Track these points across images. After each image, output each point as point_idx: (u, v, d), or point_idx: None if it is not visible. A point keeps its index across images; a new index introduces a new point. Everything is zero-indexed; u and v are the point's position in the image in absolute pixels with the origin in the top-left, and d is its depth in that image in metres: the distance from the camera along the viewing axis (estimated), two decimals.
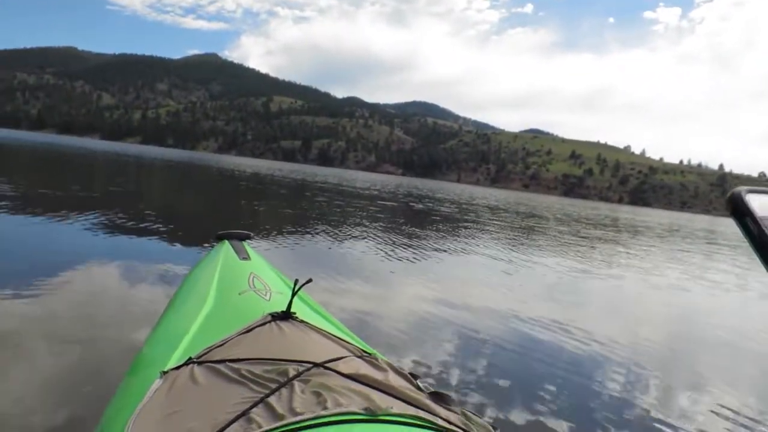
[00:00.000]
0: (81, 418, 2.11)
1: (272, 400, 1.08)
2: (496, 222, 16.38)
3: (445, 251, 8.23)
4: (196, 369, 1.26)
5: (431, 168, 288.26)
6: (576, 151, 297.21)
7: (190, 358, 1.33)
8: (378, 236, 8.92)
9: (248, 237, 2.87)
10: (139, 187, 16.23)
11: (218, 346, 1.39)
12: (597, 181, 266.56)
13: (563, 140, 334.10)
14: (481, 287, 6.07)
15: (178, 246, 6.22)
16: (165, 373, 1.28)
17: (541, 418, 2.67)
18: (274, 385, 1.13)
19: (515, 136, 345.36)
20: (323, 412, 1.01)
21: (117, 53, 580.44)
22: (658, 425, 2.80)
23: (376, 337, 3.59)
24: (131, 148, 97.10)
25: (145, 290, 4.08)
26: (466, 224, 14.09)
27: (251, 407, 1.05)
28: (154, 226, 7.16)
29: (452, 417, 1.12)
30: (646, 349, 4.26)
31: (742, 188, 0.54)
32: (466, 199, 33.37)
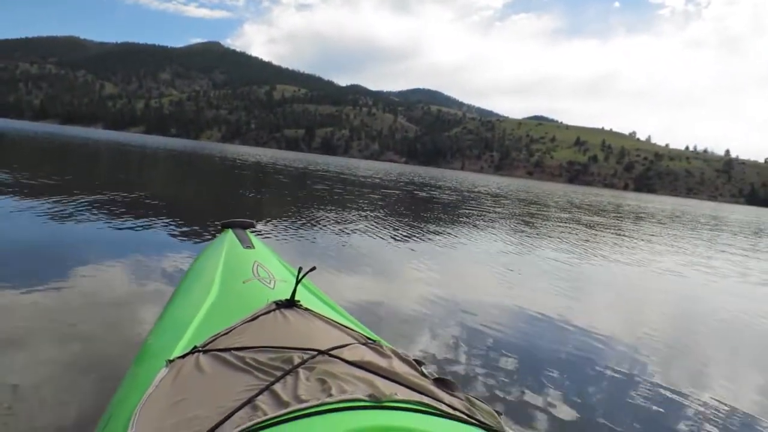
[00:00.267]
0: (88, 406, 2.12)
1: (277, 387, 1.09)
2: (497, 210, 16.36)
3: (445, 238, 8.23)
4: (202, 357, 1.27)
5: (435, 156, 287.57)
6: (580, 137, 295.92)
7: (195, 347, 1.34)
8: (379, 224, 8.92)
9: (251, 226, 2.87)
10: (143, 176, 16.26)
11: (223, 335, 1.40)
12: (602, 167, 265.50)
13: (567, 127, 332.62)
14: (483, 274, 6.06)
15: (182, 235, 6.21)
16: (171, 361, 1.29)
17: (547, 402, 2.67)
18: (279, 373, 1.14)
19: (519, 123, 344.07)
20: (328, 399, 1.02)
21: (119, 42, 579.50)
22: (662, 408, 2.80)
23: (380, 323, 3.60)
24: (134, 137, 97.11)
25: (150, 280, 4.08)
26: (466, 212, 14.08)
27: (257, 395, 1.06)
28: (158, 216, 7.16)
29: (456, 403, 1.13)
30: (645, 333, 4.24)
31: None
32: (467, 187, 33.32)
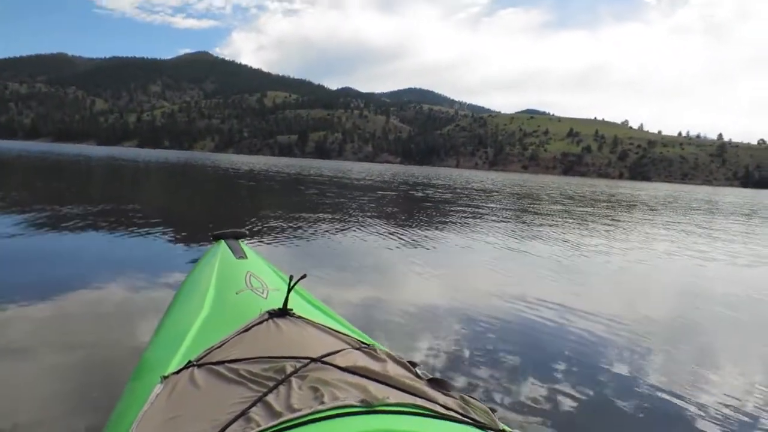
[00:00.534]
0: (87, 425, 2.13)
1: (270, 398, 1.09)
2: (488, 205, 16.43)
3: (438, 237, 8.29)
4: (196, 372, 1.27)
5: (429, 155, 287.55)
6: (573, 129, 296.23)
7: (189, 362, 1.34)
8: (372, 226, 8.98)
9: (244, 235, 2.88)
10: (136, 190, 16.29)
11: (217, 348, 1.40)
12: (596, 157, 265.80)
13: (560, 119, 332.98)
14: (477, 270, 6.11)
15: (176, 247, 6.27)
16: (165, 377, 1.29)
17: (547, 396, 2.68)
18: (272, 383, 1.15)
19: (511, 117, 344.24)
20: (320, 407, 1.02)
21: (108, 57, 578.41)
22: (665, 396, 2.80)
23: (375, 326, 3.59)
24: (127, 152, 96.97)
25: (146, 293, 4.11)
26: (459, 210, 14.15)
27: (250, 407, 1.06)
28: (152, 229, 7.20)
29: (450, 402, 1.14)
30: (646, 320, 4.26)
31: None
32: (461, 184, 33.38)
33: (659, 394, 2.83)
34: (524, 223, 11.69)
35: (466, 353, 3.25)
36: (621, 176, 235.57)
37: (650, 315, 4.56)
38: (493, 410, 1.17)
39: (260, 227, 8.19)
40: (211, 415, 1.07)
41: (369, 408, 1.03)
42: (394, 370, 1.27)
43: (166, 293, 3.96)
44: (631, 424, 2.52)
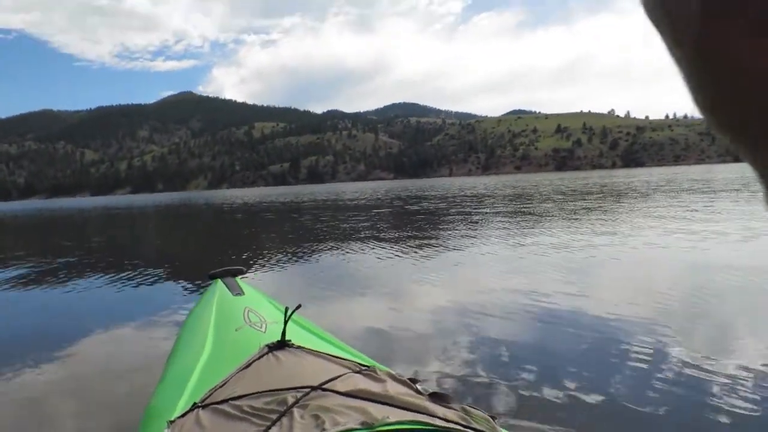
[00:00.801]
0: None
1: (274, 431, 1.12)
2: (481, 210, 16.47)
3: (432, 249, 8.29)
4: (201, 413, 1.29)
5: (422, 167, 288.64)
6: (561, 124, 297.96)
7: (194, 404, 1.36)
8: (365, 246, 8.98)
9: (240, 272, 2.90)
10: (131, 237, 16.30)
11: (220, 387, 1.42)
12: (587, 150, 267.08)
13: (546, 116, 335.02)
14: (472, 278, 6.09)
15: (175, 291, 6.29)
16: (172, 422, 1.31)
17: (562, 399, 2.66)
18: (275, 416, 1.17)
19: (499, 120, 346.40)
20: None
21: (93, 108, 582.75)
22: (686, 388, 2.72)
23: (376, 345, 3.60)
24: (121, 200, 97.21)
25: (148, 341, 4.15)
26: (451, 218, 14.18)
27: None
28: (149, 275, 7.21)
29: (450, 414, 1.17)
30: (657, 308, 4.19)
31: None
32: (454, 193, 33.46)
33: (690, 385, 2.74)
34: (517, 224, 11.71)
35: (470, 364, 3.22)
36: (614, 165, 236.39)
37: (663, 304, 4.44)
38: (494, 417, 1.20)
39: (256, 261, 8.19)
40: None
41: (370, 429, 1.05)
42: (394, 389, 1.29)
43: (167, 337, 3.99)
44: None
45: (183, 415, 1.33)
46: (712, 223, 9.88)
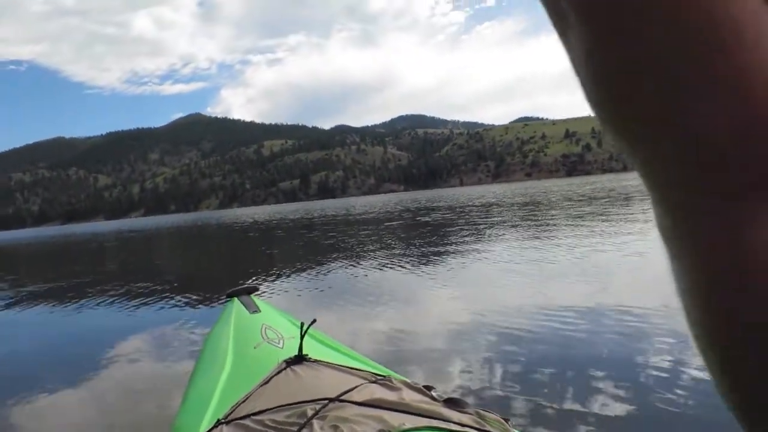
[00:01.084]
0: None
1: None
2: (491, 219, 16.49)
3: (443, 259, 8.31)
4: (225, 429, 1.33)
5: (432, 177, 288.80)
6: (569, 129, 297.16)
7: (218, 420, 1.40)
8: (375, 258, 9.02)
9: (255, 290, 2.99)
10: (147, 260, 16.49)
11: (242, 403, 1.47)
12: (596, 154, 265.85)
13: (554, 122, 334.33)
14: (484, 286, 6.12)
15: (193, 311, 6.38)
16: None
17: (583, 405, 2.66)
18: (295, 429, 1.22)
19: (506, 128, 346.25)
20: None
21: (104, 133, 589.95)
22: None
23: (391, 355, 3.64)
24: (135, 222, 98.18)
25: (169, 362, 4.20)
26: (461, 228, 14.20)
27: None
28: (166, 298, 7.33)
29: (465, 419, 1.21)
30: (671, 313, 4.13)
31: None
32: (463, 203, 33.45)
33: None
34: (527, 231, 11.73)
35: (485, 371, 3.24)
36: (625, 168, 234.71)
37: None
38: (507, 419, 1.24)
39: (270, 278, 8.28)
40: None
41: None
42: (409, 396, 1.33)
43: (188, 356, 4.07)
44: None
45: None
46: None
